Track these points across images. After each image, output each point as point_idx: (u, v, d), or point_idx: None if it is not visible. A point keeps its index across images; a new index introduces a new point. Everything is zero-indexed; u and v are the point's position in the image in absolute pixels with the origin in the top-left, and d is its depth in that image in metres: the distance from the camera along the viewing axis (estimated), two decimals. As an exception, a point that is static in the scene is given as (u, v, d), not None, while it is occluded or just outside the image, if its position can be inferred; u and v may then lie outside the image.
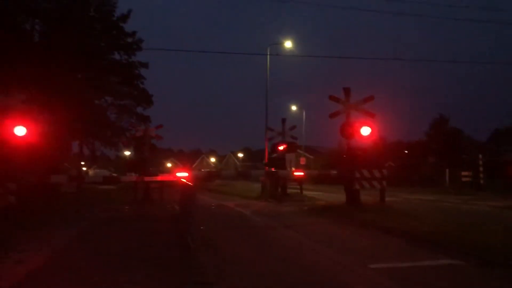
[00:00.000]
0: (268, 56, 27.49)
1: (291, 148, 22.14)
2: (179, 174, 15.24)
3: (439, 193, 22.99)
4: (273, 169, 20.81)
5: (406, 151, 47.69)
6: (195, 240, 7.38)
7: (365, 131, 13.86)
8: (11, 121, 11.95)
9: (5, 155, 11.94)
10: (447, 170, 27.22)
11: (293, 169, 22.03)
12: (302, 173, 19.64)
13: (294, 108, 47.36)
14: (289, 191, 21.69)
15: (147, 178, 17.34)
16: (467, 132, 46.54)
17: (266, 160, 24.62)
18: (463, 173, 25.53)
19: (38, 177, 13.83)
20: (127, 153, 44.77)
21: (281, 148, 21.23)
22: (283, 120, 22.53)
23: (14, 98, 12.48)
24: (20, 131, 11.98)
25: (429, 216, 11.43)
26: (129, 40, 24.72)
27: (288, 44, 27.87)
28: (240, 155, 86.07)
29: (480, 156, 25.25)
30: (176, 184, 17.92)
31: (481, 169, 24.60)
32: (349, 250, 7.85)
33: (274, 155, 22.31)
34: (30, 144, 12.40)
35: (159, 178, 18.47)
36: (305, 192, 22.39)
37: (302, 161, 35.57)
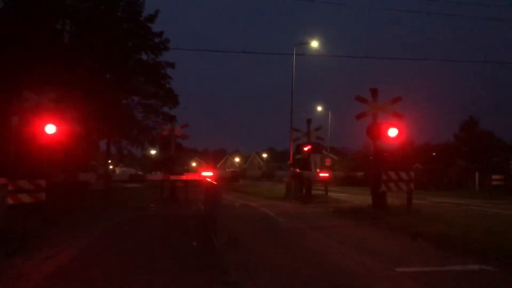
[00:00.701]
0: (294, 56, 27.34)
1: (316, 149, 21.99)
2: (204, 174, 15.32)
3: (468, 197, 22.49)
4: (298, 170, 20.72)
5: (434, 154, 46.79)
6: (221, 240, 7.40)
7: (392, 132, 13.61)
8: (41, 119, 12.24)
9: (36, 153, 12.23)
10: (476, 174, 26.60)
11: (318, 170, 21.87)
12: (327, 175, 19.46)
13: (319, 108, 47.01)
14: (314, 192, 21.56)
15: (173, 177, 17.50)
16: (498, 135, 45.37)
17: (291, 161, 24.54)
18: (494, 177, 24.89)
19: (67, 174, 14.12)
20: (153, 152, 45.33)
21: (306, 148, 21.11)
22: (309, 121, 22.39)
23: (45, 97, 12.79)
24: (50, 129, 12.26)
25: (458, 220, 11.16)
26: (156, 40, 25.03)
27: (314, 44, 27.65)
28: (265, 155, 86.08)
29: (512, 159, 24.57)
30: (201, 184, 18.03)
31: (512, 172, 23.94)
32: (375, 253, 7.73)
33: (299, 156, 22.21)
34: (59, 142, 12.68)
35: (185, 177, 18.62)
36: (330, 194, 22.22)
37: (327, 162, 35.24)
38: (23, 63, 15.89)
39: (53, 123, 12.29)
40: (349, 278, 5.99)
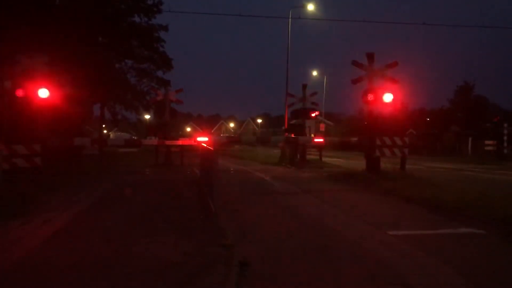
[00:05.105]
0: (290, 19, 26.87)
1: (310, 114, 21.99)
2: (200, 139, 15.32)
3: (461, 162, 22.72)
4: (292, 135, 20.77)
5: (428, 119, 46.94)
6: (216, 203, 7.47)
7: (388, 97, 13.60)
8: (34, 83, 12.07)
9: (30, 117, 12.13)
10: (470, 139, 26.79)
11: (313, 135, 21.93)
12: (321, 140, 19.43)
13: (315, 73, 46.68)
14: (308, 157, 21.70)
15: (168, 142, 17.48)
16: (493, 100, 45.46)
17: (285, 126, 24.55)
18: (487, 142, 25.12)
19: (62, 139, 14.07)
20: (147, 116, 45.13)
21: (301, 114, 21.07)
22: (304, 86, 22.27)
23: (38, 60, 12.56)
24: (43, 93, 12.12)
25: (450, 185, 11.29)
26: (149, 2, 24.49)
27: (310, 7, 27.16)
28: (259, 120, 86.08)
29: (505, 125, 24.70)
30: (195, 149, 18.07)
31: (505, 138, 24.12)
32: (368, 217, 7.86)
33: (294, 121, 22.22)
34: (53, 106, 12.56)
35: (180, 142, 18.62)
36: (324, 159, 22.38)
37: (322, 127, 35.34)
38: (14, 25, 15.52)
39: (46, 87, 12.14)
40: (344, 240, 6.11)
